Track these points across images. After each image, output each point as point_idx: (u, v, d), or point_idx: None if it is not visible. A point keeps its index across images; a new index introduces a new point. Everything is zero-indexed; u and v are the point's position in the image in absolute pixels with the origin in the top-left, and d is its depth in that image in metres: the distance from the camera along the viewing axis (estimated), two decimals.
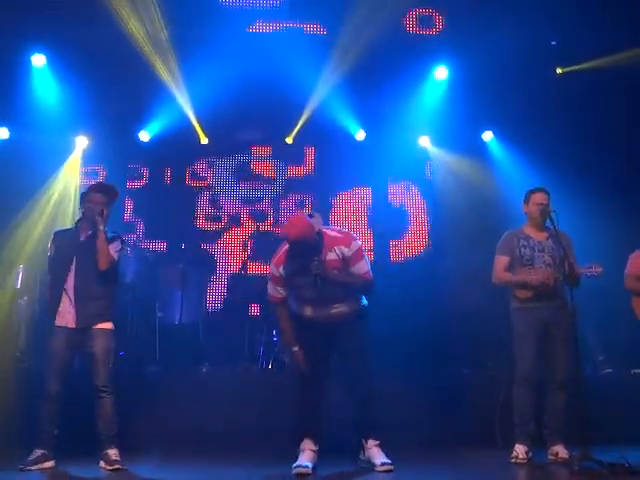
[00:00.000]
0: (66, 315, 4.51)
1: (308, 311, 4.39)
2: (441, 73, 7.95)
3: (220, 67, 7.22)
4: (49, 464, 4.39)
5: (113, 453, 4.40)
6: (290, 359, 4.57)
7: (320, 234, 4.23)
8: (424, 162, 8.60)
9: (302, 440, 4.33)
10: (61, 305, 4.51)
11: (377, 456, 4.29)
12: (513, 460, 4.55)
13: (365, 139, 8.43)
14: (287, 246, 4.27)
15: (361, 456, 4.44)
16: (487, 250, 5.18)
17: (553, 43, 7.70)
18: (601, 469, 3.98)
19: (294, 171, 8.76)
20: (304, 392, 4.39)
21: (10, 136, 7.92)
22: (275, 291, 4.40)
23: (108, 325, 4.56)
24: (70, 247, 4.62)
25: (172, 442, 5.23)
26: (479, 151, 8.34)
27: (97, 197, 4.63)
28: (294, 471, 4.11)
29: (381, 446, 4.35)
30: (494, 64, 7.38)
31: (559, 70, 7.79)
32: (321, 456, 4.35)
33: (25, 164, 7.53)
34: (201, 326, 6.92)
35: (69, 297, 4.52)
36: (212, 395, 5.57)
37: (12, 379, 5.31)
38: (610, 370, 6.31)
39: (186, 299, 6.82)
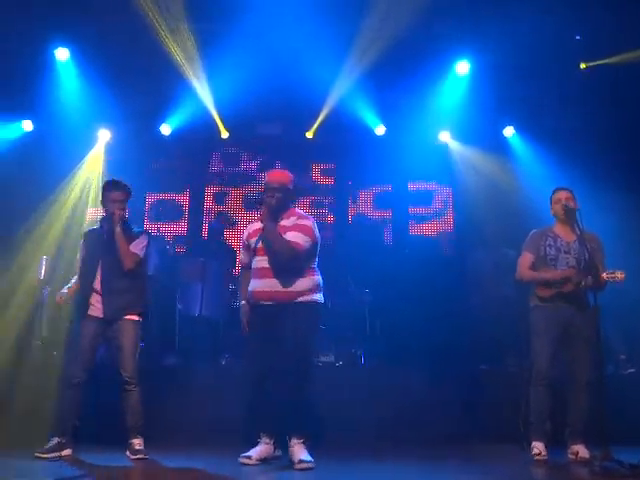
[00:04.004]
0: (95, 306, 4.58)
1: (255, 285, 4.39)
2: (463, 68, 7.89)
3: (241, 61, 7.22)
4: (66, 452, 4.42)
5: (137, 443, 4.47)
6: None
7: (288, 207, 4.51)
8: (444, 157, 8.57)
9: (259, 434, 4.40)
10: (93, 298, 4.58)
11: (298, 454, 4.18)
12: (536, 457, 4.53)
13: (385, 134, 8.41)
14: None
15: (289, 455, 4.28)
16: (510, 246, 5.16)
17: (577, 38, 7.59)
18: (622, 470, 3.95)
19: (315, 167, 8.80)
20: (255, 387, 4.41)
21: (34, 128, 8.02)
22: (243, 256, 4.73)
23: (135, 317, 4.62)
24: (96, 246, 4.68)
25: (191, 433, 5.29)
26: (500, 146, 8.28)
27: (115, 195, 4.68)
28: (239, 459, 4.29)
29: (305, 444, 4.24)
30: (517, 59, 7.31)
31: (583, 65, 7.68)
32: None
33: (48, 156, 7.63)
34: (221, 318, 6.95)
35: (98, 293, 4.59)
36: (231, 387, 5.59)
37: (35, 368, 5.37)
38: (633, 370, 6.24)
39: (206, 292, 6.85)
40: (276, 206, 4.43)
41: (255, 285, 4.43)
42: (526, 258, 4.80)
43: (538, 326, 4.71)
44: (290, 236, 4.36)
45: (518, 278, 4.88)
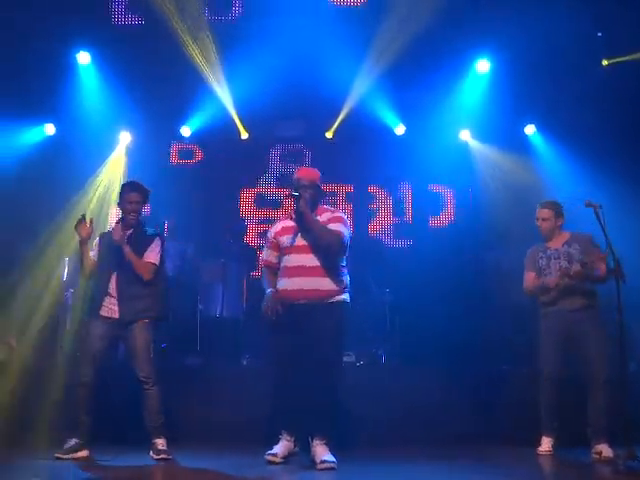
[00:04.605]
0: (109, 308, 4.57)
1: (288, 284, 4.36)
2: (483, 66, 7.85)
3: (260, 62, 7.26)
4: (83, 453, 4.43)
5: (160, 443, 4.46)
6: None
7: (318, 205, 4.54)
8: (465, 156, 8.53)
9: (279, 431, 4.40)
10: (106, 301, 4.58)
11: (320, 454, 4.16)
12: (540, 451, 4.76)
13: (405, 133, 8.40)
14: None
15: (311, 455, 4.28)
16: (529, 245, 5.17)
17: (599, 34, 7.51)
18: None
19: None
20: (279, 385, 4.41)
21: (56, 132, 8.12)
22: (268, 255, 4.60)
23: (147, 320, 4.59)
24: (111, 250, 4.64)
25: (213, 433, 5.31)
26: (521, 144, 8.22)
27: (132, 196, 4.68)
28: (265, 457, 4.28)
29: (327, 445, 4.22)
30: (537, 56, 7.27)
31: (605, 62, 7.59)
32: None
33: (71, 159, 7.72)
34: (242, 319, 6.98)
35: (112, 297, 4.58)
36: (253, 387, 5.61)
37: (57, 370, 5.42)
38: None
39: (227, 293, 6.88)
40: (311, 201, 4.42)
41: (288, 283, 4.39)
42: (529, 276, 5.08)
43: (543, 330, 4.94)
44: (334, 227, 4.39)
45: (526, 293, 5.13)
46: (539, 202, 5.13)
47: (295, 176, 4.57)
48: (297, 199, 4.34)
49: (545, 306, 4.94)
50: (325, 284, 4.33)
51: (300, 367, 4.32)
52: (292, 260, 4.40)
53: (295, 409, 4.35)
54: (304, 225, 4.38)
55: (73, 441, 4.43)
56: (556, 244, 5.02)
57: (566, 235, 5.02)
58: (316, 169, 4.68)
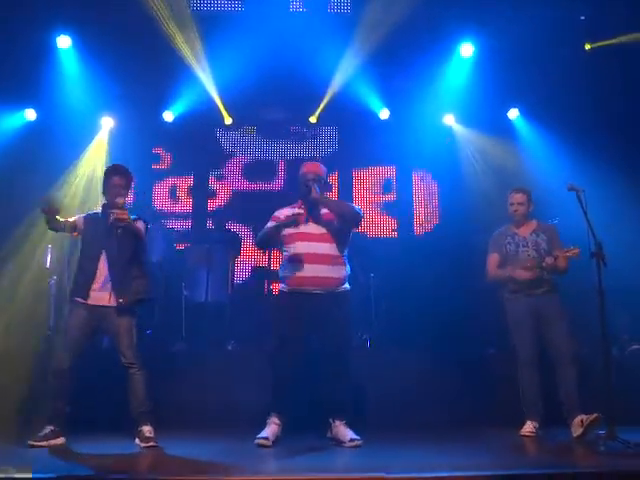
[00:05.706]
0: (93, 295, 4.50)
1: (301, 271, 4.45)
2: (467, 50, 7.85)
3: (244, 47, 7.20)
4: (59, 441, 4.38)
5: (147, 430, 4.40)
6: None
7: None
8: (448, 140, 8.54)
9: (269, 414, 4.50)
10: (91, 286, 4.51)
11: (345, 433, 4.41)
12: (523, 433, 4.78)
13: (389, 118, 8.38)
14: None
15: (328, 434, 4.54)
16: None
17: (582, 18, 7.52)
18: (627, 449, 3.97)
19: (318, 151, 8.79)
20: (277, 370, 4.52)
21: (37, 117, 8.00)
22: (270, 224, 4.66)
23: (134, 303, 4.57)
24: (98, 234, 4.57)
25: (199, 419, 5.32)
26: (504, 129, 8.24)
27: (115, 180, 4.63)
28: (255, 441, 4.34)
29: (348, 425, 4.46)
30: (521, 40, 7.26)
31: (588, 46, 7.62)
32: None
33: (52, 145, 7.62)
34: (227, 304, 6.98)
35: (98, 282, 4.51)
36: (238, 372, 5.63)
37: (42, 358, 5.39)
38: (637, 346, 6.25)
39: (212, 278, 6.87)
40: (317, 186, 4.55)
41: (301, 269, 4.47)
42: (493, 258, 5.14)
43: (514, 316, 5.02)
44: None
45: (488, 278, 5.18)
46: (512, 188, 5.18)
47: (301, 171, 4.70)
48: (307, 192, 4.49)
49: (513, 292, 5.03)
50: (336, 272, 4.52)
51: (304, 354, 4.53)
52: (302, 247, 4.49)
53: (291, 395, 4.52)
54: (318, 209, 4.54)
55: (48, 428, 4.38)
56: (524, 232, 5.10)
57: (534, 224, 5.11)
58: (321, 164, 4.80)
